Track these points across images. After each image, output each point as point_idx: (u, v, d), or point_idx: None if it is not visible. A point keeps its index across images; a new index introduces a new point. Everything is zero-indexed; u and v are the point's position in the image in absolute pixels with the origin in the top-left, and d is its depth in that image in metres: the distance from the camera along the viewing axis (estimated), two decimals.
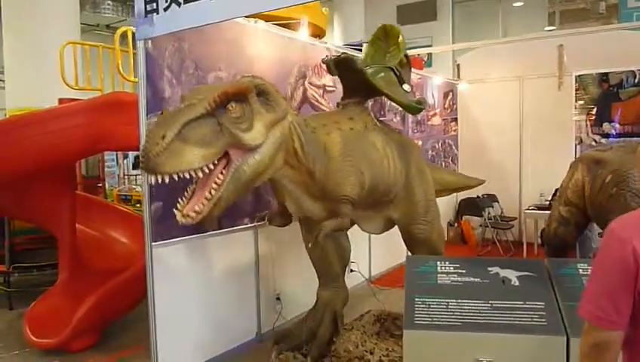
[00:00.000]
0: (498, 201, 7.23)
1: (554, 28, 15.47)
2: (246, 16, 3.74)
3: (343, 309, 3.63)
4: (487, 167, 6.56)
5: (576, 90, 6.76)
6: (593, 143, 6.75)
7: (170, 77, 3.28)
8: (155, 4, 2.97)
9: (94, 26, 16.20)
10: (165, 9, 2.93)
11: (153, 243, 3.20)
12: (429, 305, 2.13)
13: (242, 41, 3.79)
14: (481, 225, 6.98)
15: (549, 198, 6.42)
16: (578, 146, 6.84)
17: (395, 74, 3.33)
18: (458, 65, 7.77)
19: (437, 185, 3.68)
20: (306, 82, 4.47)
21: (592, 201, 3.31)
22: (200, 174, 2.21)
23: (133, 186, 9.40)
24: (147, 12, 3.02)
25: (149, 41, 3.17)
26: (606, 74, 6.61)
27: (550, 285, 2.19)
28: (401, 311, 4.14)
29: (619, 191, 3.01)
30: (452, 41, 15.53)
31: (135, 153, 11.46)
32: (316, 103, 4.59)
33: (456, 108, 7.62)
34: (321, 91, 4.67)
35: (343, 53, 3.67)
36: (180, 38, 3.33)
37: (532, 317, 2.03)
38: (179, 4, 2.88)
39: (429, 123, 6.85)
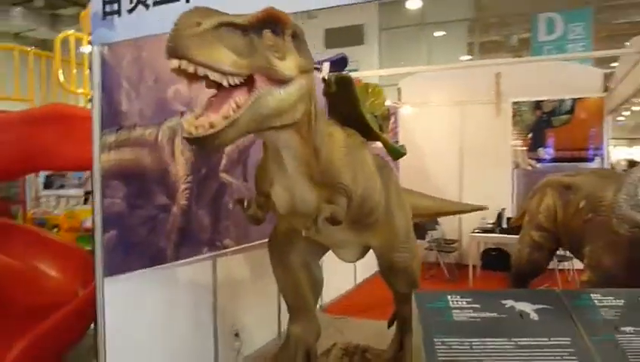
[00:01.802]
0: (439, 224, 7.29)
1: (472, 57, 16.34)
2: None
3: (315, 345, 3.35)
4: (428, 191, 6.57)
5: (512, 116, 7.04)
6: (529, 168, 7.03)
7: (129, 89, 2.90)
8: (116, 5, 2.62)
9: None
10: (130, 11, 2.59)
11: (106, 278, 2.77)
12: (450, 345, 1.93)
13: None
14: (426, 248, 6.99)
15: (492, 221, 6.58)
16: (515, 171, 7.10)
17: (378, 121, 3.24)
18: (399, 89, 7.84)
19: (414, 209, 3.54)
20: None
21: (566, 227, 3.32)
22: (225, 83, 1.89)
23: (49, 210, 8.52)
24: (106, 13, 2.65)
25: (105, 47, 2.78)
26: (540, 101, 6.95)
27: (570, 318, 2.07)
28: (367, 342, 3.97)
29: (596, 216, 3.02)
30: (379, 65, 15.88)
31: (46, 173, 10.48)
32: None
33: (397, 132, 7.65)
34: None
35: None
36: (139, 46, 2.96)
37: (562, 355, 1.89)
38: (147, 6, 2.56)
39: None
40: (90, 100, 4.89)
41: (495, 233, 6.38)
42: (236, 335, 3.77)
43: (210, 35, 1.82)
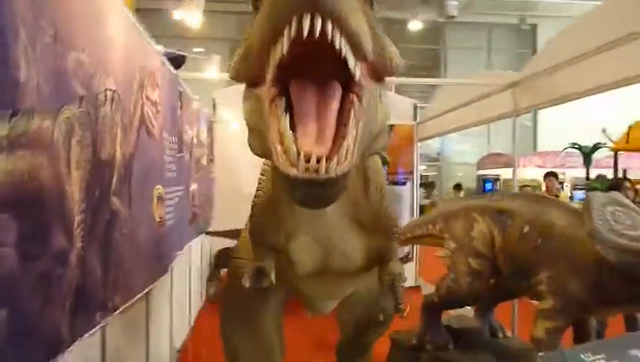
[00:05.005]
0: None
1: None
2: None
3: None
4: (246, 209, 5.98)
5: None
6: None
7: (26, 42, 1.59)
8: None
9: None
10: None
11: None
12: None
13: (103, 15, 2.26)
14: None
15: None
16: None
17: None
18: (214, 100, 6.95)
19: None
20: (143, 94, 3.04)
21: (508, 253, 3.20)
22: (357, 74, 1.27)
23: None
24: None
25: None
26: None
27: None
28: None
29: (548, 242, 2.99)
30: None
31: None
32: (150, 127, 3.18)
33: (212, 149, 6.77)
34: (154, 110, 3.27)
35: None
36: None
37: None
38: None
39: (202, 163, 5.85)
40: None
41: None
42: None
43: None
